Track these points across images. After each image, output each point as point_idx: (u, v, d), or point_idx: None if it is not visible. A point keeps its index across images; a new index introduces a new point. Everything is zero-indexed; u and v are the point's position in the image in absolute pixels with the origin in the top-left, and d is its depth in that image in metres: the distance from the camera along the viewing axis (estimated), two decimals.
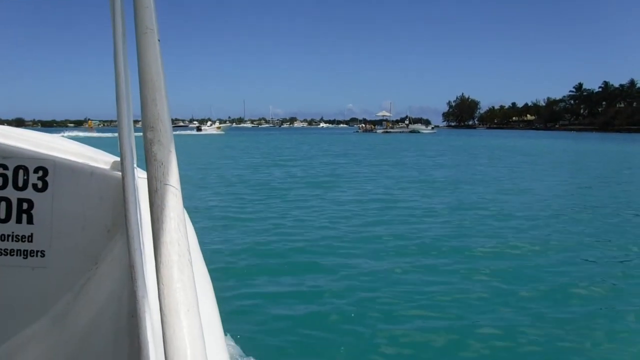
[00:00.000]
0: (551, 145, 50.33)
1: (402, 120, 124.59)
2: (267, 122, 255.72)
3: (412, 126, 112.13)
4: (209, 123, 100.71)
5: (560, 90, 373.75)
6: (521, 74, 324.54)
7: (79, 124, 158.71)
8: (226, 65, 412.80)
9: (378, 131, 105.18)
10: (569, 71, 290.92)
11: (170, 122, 0.79)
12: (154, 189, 0.71)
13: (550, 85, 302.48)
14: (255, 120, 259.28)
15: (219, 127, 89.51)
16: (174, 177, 0.73)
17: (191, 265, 0.66)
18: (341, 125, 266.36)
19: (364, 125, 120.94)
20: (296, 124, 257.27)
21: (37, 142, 1.44)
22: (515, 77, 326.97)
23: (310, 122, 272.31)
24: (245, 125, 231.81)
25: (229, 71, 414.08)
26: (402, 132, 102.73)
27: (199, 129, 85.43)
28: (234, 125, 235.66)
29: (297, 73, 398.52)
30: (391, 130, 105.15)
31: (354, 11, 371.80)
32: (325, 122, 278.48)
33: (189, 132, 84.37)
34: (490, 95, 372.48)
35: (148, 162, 0.75)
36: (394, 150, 38.66)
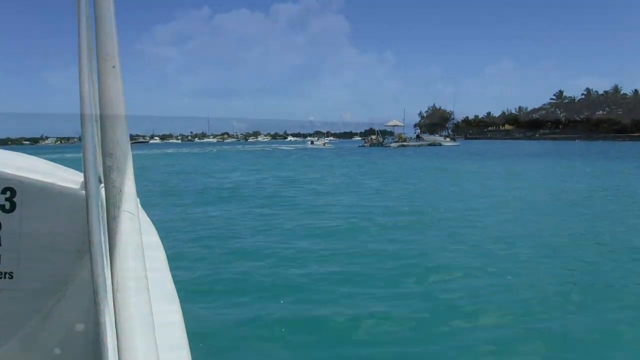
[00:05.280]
0: None
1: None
2: (230, 136, 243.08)
3: (432, 138, 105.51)
4: (316, 138, 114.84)
5: (535, 99, 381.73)
6: (492, 83, 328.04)
7: (34, 142, 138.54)
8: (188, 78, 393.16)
9: (392, 145, 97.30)
10: (543, 78, 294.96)
11: (130, 148, 0.79)
12: (112, 216, 0.72)
13: (523, 93, 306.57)
14: (218, 135, 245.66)
15: (324, 143, 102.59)
16: (131, 204, 0.73)
17: (148, 291, 0.65)
18: (308, 138, 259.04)
19: (372, 137, 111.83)
20: (260, 138, 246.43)
21: (4, 161, 1.39)
22: (485, 86, 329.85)
23: (274, 136, 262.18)
24: (209, 140, 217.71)
25: (192, 85, 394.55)
26: (421, 145, 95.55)
27: (312, 142, 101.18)
28: (197, 140, 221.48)
29: (259, 86, 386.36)
30: (406, 143, 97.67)
31: (308, 26, 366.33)
32: (291, 135, 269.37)
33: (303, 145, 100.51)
34: (459, 106, 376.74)
35: (106, 189, 0.75)
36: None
